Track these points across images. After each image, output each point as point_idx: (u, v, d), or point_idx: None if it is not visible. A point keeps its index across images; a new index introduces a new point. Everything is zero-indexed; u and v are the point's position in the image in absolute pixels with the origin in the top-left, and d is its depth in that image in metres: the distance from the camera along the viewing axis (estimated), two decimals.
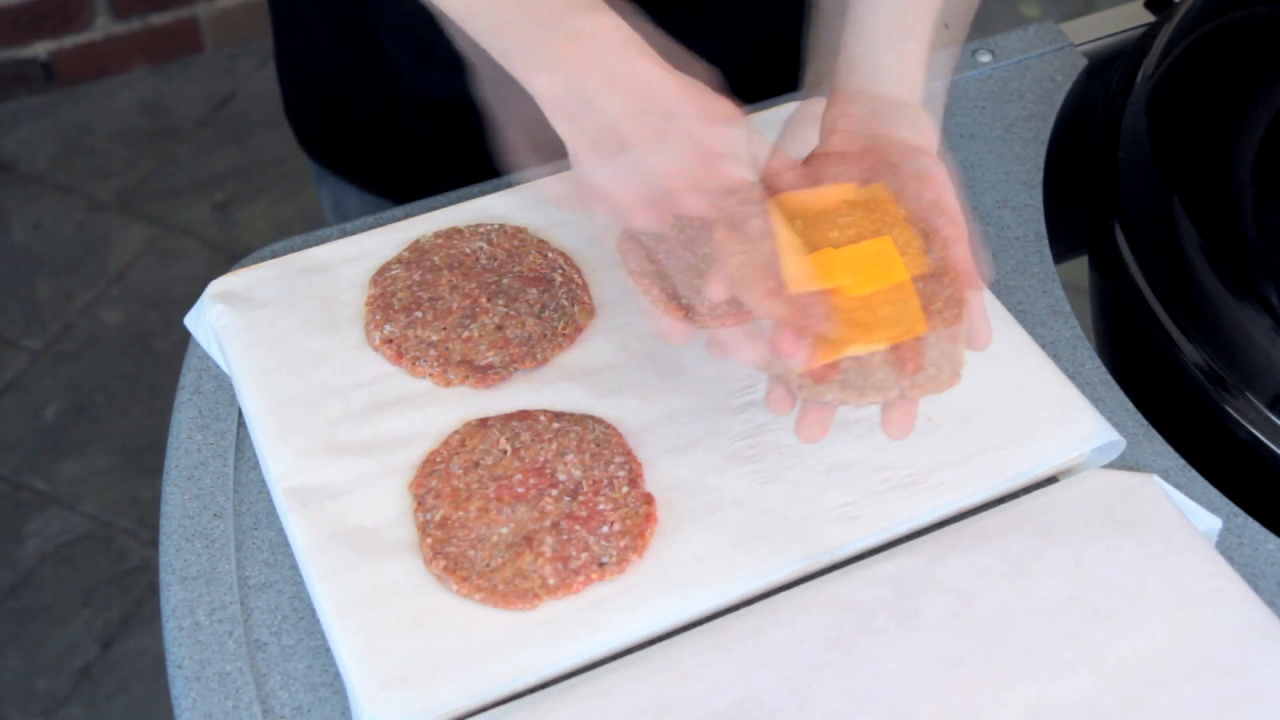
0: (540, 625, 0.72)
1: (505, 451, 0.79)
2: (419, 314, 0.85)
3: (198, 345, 0.87)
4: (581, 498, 0.76)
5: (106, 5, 2.32)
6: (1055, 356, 0.85)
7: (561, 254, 0.89)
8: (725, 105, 0.71)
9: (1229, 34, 0.96)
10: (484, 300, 0.86)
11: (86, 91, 2.38)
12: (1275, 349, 0.82)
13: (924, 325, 0.69)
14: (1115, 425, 0.82)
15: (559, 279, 0.87)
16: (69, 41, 2.34)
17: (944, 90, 0.83)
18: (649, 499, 0.76)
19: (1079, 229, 0.82)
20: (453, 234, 0.90)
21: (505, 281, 0.87)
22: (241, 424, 0.84)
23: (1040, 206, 0.94)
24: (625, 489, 0.77)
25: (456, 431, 0.80)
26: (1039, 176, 0.96)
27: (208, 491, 0.80)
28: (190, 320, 0.88)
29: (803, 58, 1.11)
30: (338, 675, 0.73)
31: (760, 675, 0.70)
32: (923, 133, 0.75)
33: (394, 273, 0.88)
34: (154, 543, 1.01)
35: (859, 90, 0.76)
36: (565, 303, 0.86)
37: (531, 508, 0.76)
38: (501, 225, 0.90)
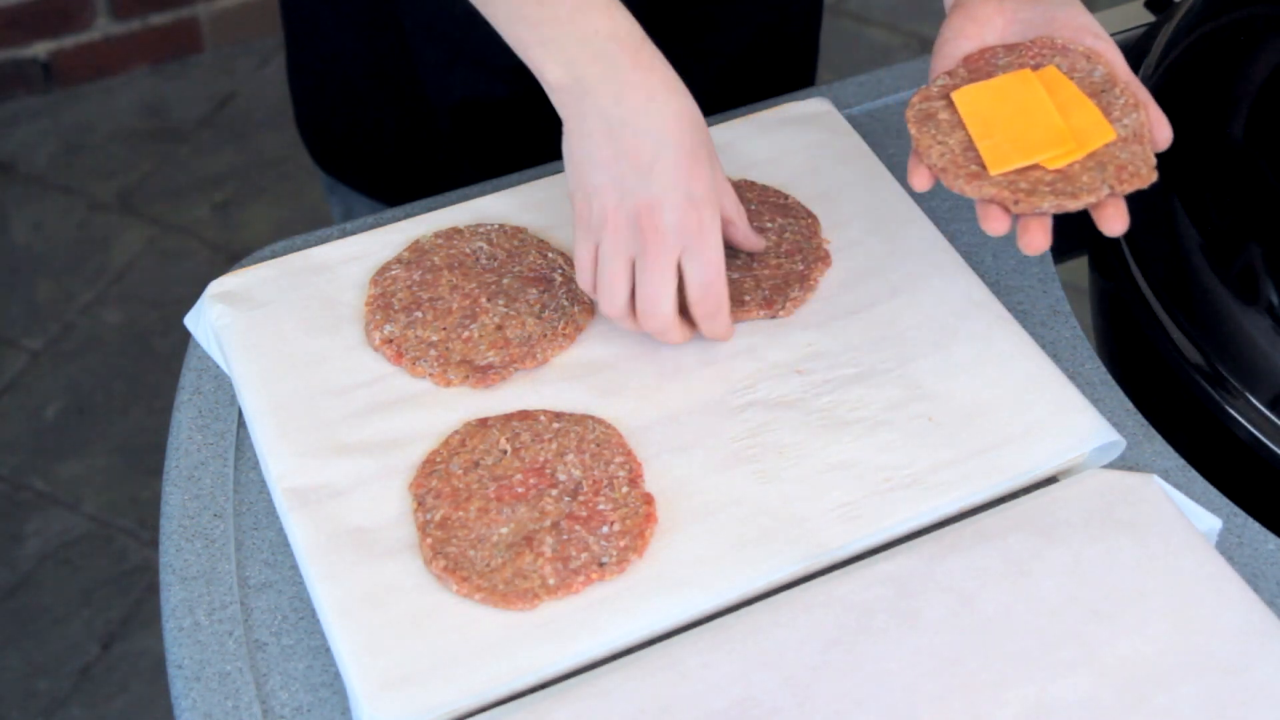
0: (540, 625, 0.72)
1: (505, 451, 0.79)
2: (419, 314, 0.85)
3: (198, 345, 0.88)
4: (581, 498, 0.77)
5: (106, 5, 2.32)
6: (1055, 356, 0.85)
7: (561, 254, 0.89)
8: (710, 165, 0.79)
9: (1229, 34, 0.97)
10: (484, 300, 0.86)
11: (86, 91, 2.38)
12: (1275, 349, 0.82)
13: (1112, 132, 0.76)
14: (1115, 425, 0.82)
15: (559, 279, 0.87)
16: (69, 41, 2.34)
17: None
18: (649, 499, 0.77)
19: (1079, 229, 0.82)
20: (453, 234, 0.90)
21: (505, 281, 0.87)
22: (241, 424, 0.84)
23: None
24: (625, 489, 0.77)
25: (456, 431, 0.80)
26: None
27: (208, 491, 0.80)
28: (190, 320, 0.88)
29: (818, 48, 1.11)
30: (338, 675, 0.73)
31: (760, 675, 0.70)
32: (1078, 15, 0.81)
33: (394, 273, 0.88)
34: (154, 543, 1.01)
35: None
36: (565, 303, 0.86)
37: (531, 508, 0.76)
38: (501, 225, 0.90)
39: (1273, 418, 0.82)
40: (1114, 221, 0.75)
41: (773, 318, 0.85)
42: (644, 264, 0.78)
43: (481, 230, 0.90)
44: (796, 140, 0.96)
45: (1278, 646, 0.71)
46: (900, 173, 0.90)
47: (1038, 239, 0.75)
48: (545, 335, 0.85)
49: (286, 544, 0.78)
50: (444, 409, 0.82)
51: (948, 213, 0.94)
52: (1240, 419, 0.83)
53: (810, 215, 0.91)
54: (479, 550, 0.74)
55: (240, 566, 0.77)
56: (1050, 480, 0.80)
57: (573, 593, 0.73)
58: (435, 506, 0.76)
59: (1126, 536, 0.75)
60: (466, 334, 0.85)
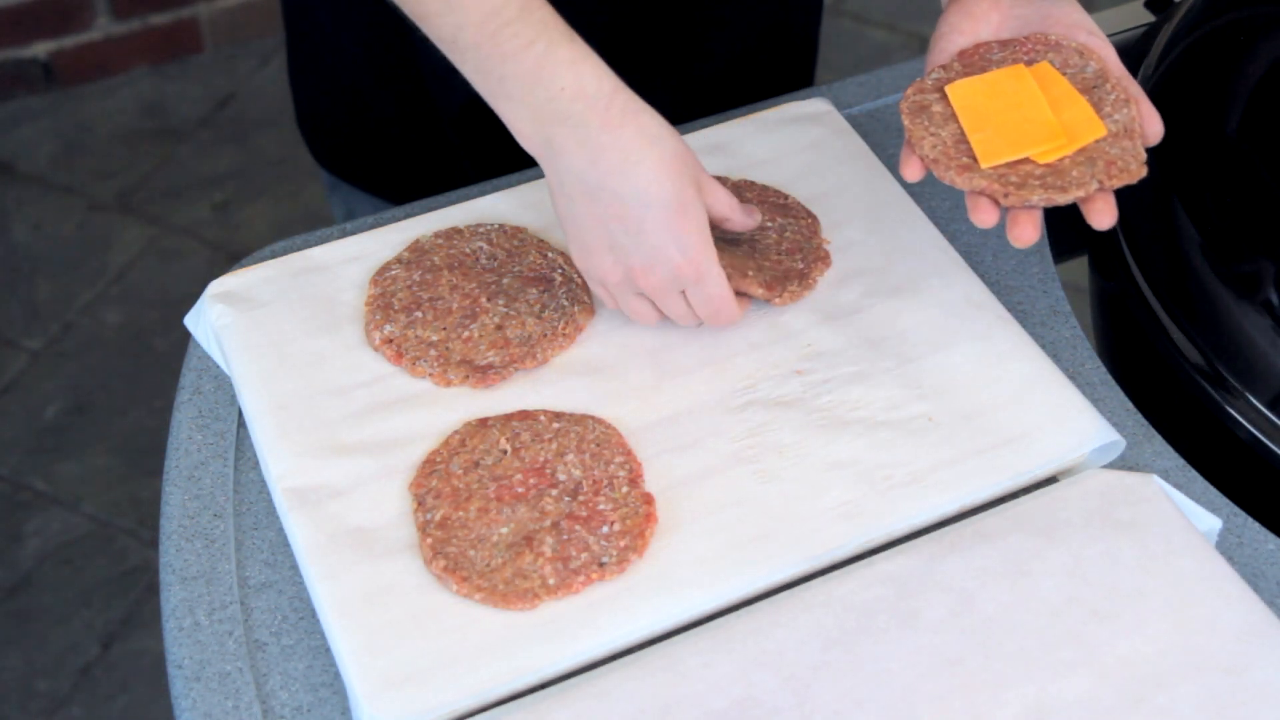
0: (540, 625, 0.72)
1: (505, 451, 0.79)
2: (419, 314, 0.85)
3: (198, 345, 0.88)
4: (581, 498, 0.77)
5: (106, 5, 2.32)
6: (1055, 356, 0.85)
7: (561, 254, 0.89)
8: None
9: (1229, 34, 0.97)
10: (484, 300, 0.86)
11: (86, 91, 2.37)
12: (1275, 349, 0.82)
13: (1103, 128, 0.77)
14: (1115, 425, 0.82)
15: (559, 279, 0.87)
16: (69, 41, 2.33)
17: None
18: (649, 499, 0.77)
19: (1079, 229, 0.82)
20: (453, 234, 0.90)
21: (505, 281, 0.87)
22: (241, 424, 0.84)
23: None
24: (625, 489, 0.77)
25: (456, 431, 0.80)
26: None
27: (208, 491, 0.80)
28: (190, 320, 0.88)
29: (817, 47, 1.11)
30: (338, 675, 0.73)
31: (760, 675, 0.70)
32: (1072, 11, 0.82)
33: (394, 273, 0.88)
34: (154, 543, 1.01)
35: None
36: (565, 303, 0.86)
37: (531, 508, 0.76)
38: (501, 225, 0.90)
39: (1273, 418, 0.82)
40: (1103, 216, 0.76)
41: (767, 301, 0.85)
42: (656, 301, 0.81)
43: (481, 230, 0.90)
44: (796, 140, 0.96)
45: (1278, 646, 0.71)
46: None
47: (1027, 231, 0.76)
48: (545, 335, 0.85)
49: (286, 544, 0.78)
50: (444, 409, 0.82)
51: (948, 213, 0.94)
52: (1240, 419, 0.83)
53: (810, 215, 0.91)
54: (479, 550, 0.74)
55: (240, 566, 0.77)
56: (1050, 480, 0.80)
57: (573, 593, 0.73)
58: (435, 506, 0.76)
59: (1126, 536, 0.75)
60: (466, 334, 0.85)
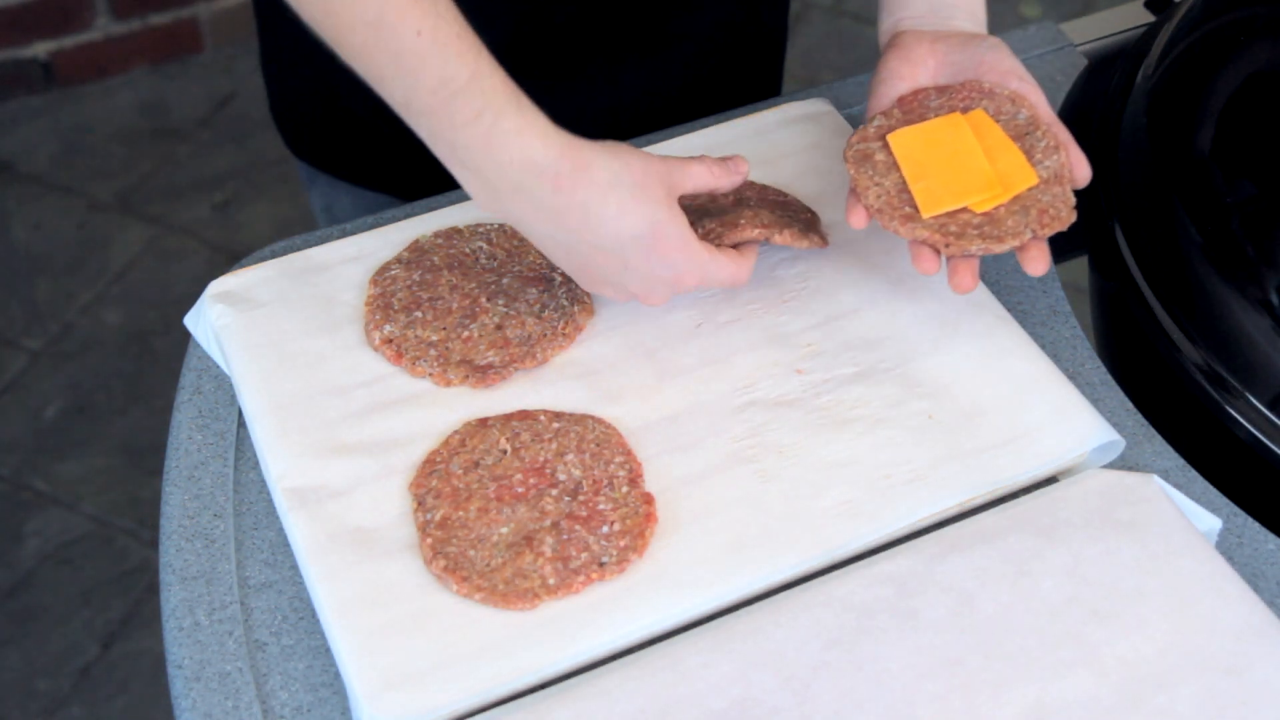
0: (540, 625, 0.72)
1: (505, 451, 0.79)
2: (419, 314, 0.85)
3: (198, 345, 0.88)
4: (581, 497, 0.77)
5: (106, 5, 2.32)
6: (1055, 356, 0.85)
7: None
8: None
9: (1229, 34, 0.96)
10: (484, 300, 0.86)
11: (86, 91, 2.38)
12: (1275, 349, 0.82)
13: (1035, 177, 0.81)
14: (1115, 425, 0.82)
15: (559, 278, 0.87)
16: (69, 41, 2.33)
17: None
18: (649, 499, 0.77)
19: (1079, 229, 0.83)
20: (452, 234, 0.90)
21: (505, 281, 0.87)
22: (241, 424, 0.84)
23: None
24: (625, 489, 0.77)
25: (456, 431, 0.80)
26: None
27: (208, 491, 0.80)
28: (190, 320, 0.88)
29: (784, 53, 1.11)
30: (338, 675, 0.73)
31: (760, 675, 0.70)
32: (1004, 59, 0.85)
33: (394, 273, 0.88)
34: (154, 543, 1.01)
35: (939, 31, 0.87)
36: (565, 302, 0.86)
37: (531, 508, 0.76)
38: (501, 225, 0.90)
39: (1273, 418, 0.82)
40: (1036, 263, 0.80)
41: (800, 247, 0.86)
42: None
43: (481, 230, 0.90)
44: (796, 140, 0.96)
45: (1278, 646, 0.71)
46: None
47: (966, 280, 0.80)
48: (545, 335, 0.85)
49: (286, 544, 0.78)
50: (444, 409, 0.82)
51: None
52: (1240, 419, 0.83)
53: (810, 212, 0.91)
54: (479, 550, 0.74)
55: (240, 566, 0.77)
56: (1050, 480, 0.80)
57: (573, 593, 0.73)
58: (435, 506, 0.76)
59: (1126, 536, 0.75)
60: (466, 334, 0.85)
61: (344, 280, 0.88)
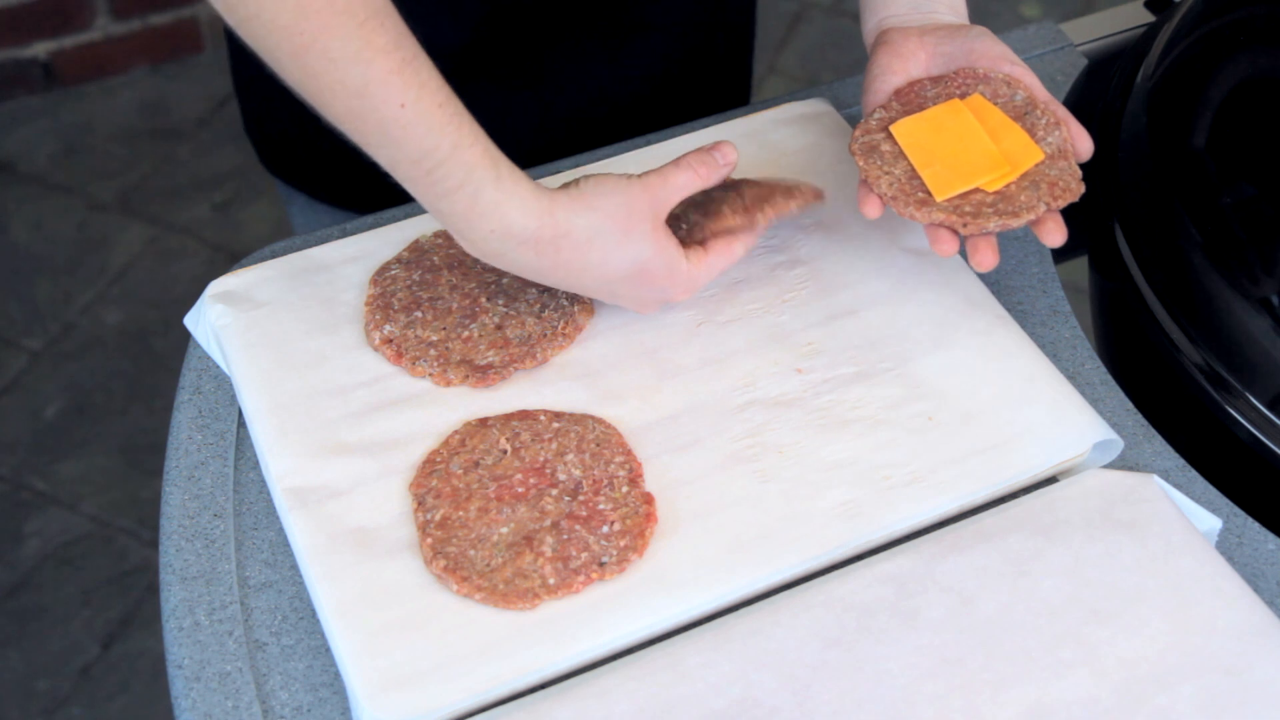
0: (540, 625, 0.72)
1: (505, 451, 0.79)
2: (419, 314, 0.85)
3: (198, 345, 0.88)
4: (581, 497, 0.77)
5: (106, 5, 2.32)
6: (1055, 356, 0.85)
7: None
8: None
9: (1229, 34, 0.96)
10: (484, 300, 0.86)
11: (86, 91, 2.38)
12: (1275, 349, 0.82)
13: (1040, 152, 0.82)
14: (1115, 425, 0.82)
15: None
16: (69, 41, 2.34)
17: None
18: (649, 498, 0.77)
19: (1079, 229, 0.83)
20: None
21: (505, 281, 0.87)
22: (241, 424, 0.84)
23: None
24: (625, 489, 0.77)
25: (456, 431, 0.80)
26: None
27: (208, 491, 0.80)
28: (190, 320, 0.88)
29: (752, 49, 1.12)
30: (338, 675, 0.73)
31: (760, 675, 0.70)
32: (993, 45, 0.86)
33: (394, 273, 0.88)
34: (154, 543, 1.01)
35: (925, 23, 0.88)
36: (565, 302, 0.86)
37: (531, 507, 0.76)
38: None
39: (1273, 418, 0.82)
40: (1054, 234, 0.81)
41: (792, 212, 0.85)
42: None
43: None
44: (796, 140, 0.96)
45: (1278, 646, 0.71)
46: None
47: (988, 257, 0.81)
48: (545, 335, 0.85)
49: (286, 544, 0.78)
50: (444, 409, 0.82)
51: None
52: (1240, 419, 0.83)
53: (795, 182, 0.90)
54: (479, 550, 0.74)
55: (240, 566, 0.77)
56: (1050, 480, 0.80)
57: (573, 592, 0.73)
58: (435, 506, 0.76)
59: (1126, 536, 0.75)
60: (466, 334, 0.85)
61: (344, 280, 0.88)
